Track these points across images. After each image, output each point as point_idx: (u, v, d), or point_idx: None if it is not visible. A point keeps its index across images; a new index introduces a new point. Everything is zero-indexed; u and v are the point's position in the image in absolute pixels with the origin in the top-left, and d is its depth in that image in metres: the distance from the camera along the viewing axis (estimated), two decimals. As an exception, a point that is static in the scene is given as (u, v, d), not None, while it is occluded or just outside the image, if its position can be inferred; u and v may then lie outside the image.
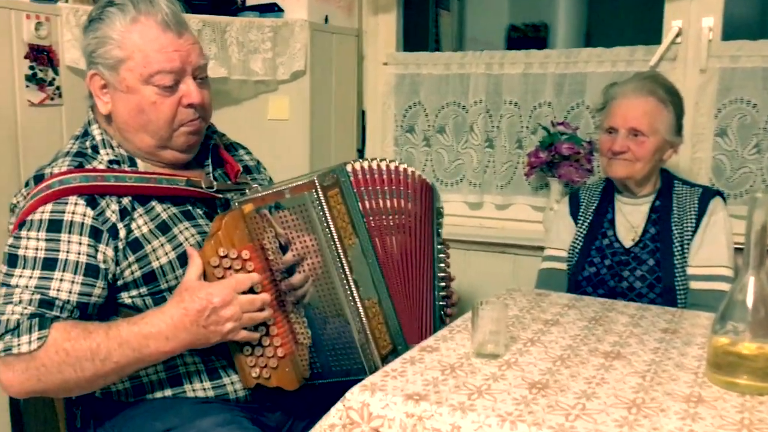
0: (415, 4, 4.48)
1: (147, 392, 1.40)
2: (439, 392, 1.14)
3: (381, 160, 1.59)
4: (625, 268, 1.90)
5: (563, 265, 2.01)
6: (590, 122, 2.54)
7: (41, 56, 2.20)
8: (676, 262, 1.85)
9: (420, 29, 4.42)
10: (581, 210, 2.03)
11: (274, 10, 2.61)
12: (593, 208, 2.02)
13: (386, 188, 1.57)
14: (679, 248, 1.86)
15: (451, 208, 2.81)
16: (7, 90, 2.11)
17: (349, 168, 1.51)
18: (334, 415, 1.15)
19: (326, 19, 2.70)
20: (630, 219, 1.96)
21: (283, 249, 1.41)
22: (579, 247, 1.98)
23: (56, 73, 2.23)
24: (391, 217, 1.56)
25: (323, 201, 1.40)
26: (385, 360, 1.43)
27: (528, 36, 5.24)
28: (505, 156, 2.70)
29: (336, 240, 1.40)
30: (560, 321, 1.53)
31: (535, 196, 2.67)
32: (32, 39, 2.16)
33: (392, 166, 1.60)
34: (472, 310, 1.31)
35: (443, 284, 1.70)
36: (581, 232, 2.00)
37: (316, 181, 1.40)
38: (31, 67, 2.17)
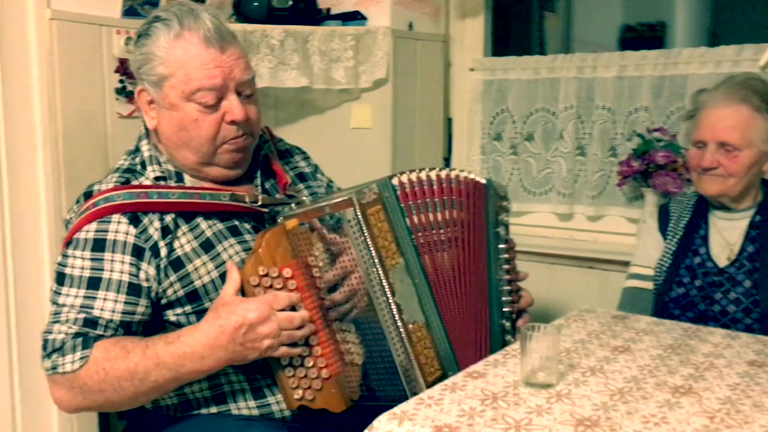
0: (517, 6, 4.36)
1: (194, 408, 1.40)
2: (472, 425, 1.05)
3: (430, 170, 1.47)
4: (717, 289, 1.72)
5: (649, 285, 1.85)
6: (691, 128, 2.34)
7: (130, 70, 2.28)
8: (777, 284, 1.67)
9: (523, 32, 4.29)
10: (671, 224, 1.87)
11: (357, 18, 2.59)
12: (684, 222, 1.85)
13: (436, 199, 1.45)
14: (782, 269, 1.67)
15: (539, 219, 2.70)
16: (98, 103, 2.19)
17: (395, 181, 1.41)
18: (361, 444, 1.09)
19: (410, 26, 2.65)
20: (725, 236, 1.78)
21: (334, 266, 1.36)
22: (667, 265, 1.82)
23: (144, 86, 2.30)
24: (442, 231, 1.45)
25: (361, 220, 1.32)
26: (431, 386, 1.33)
27: (643, 36, 4.98)
28: (597, 164, 2.54)
29: (376, 261, 1.32)
30: (631, 348, 1.40)
31: (629, 207, 2.50)
32: (122, 53, 2.23)
33: (442, 174, 1.48)
34: (520, 335, 1.21)
35: (507, 291, 1.56)
36: (670, 249, 1.83)
37: (354, 199, 1.32)
38: (121, 81, 2.24)
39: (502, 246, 1.57)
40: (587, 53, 2.55)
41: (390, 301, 1.33)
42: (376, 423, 1.08)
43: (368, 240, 1.32)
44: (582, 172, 2.59)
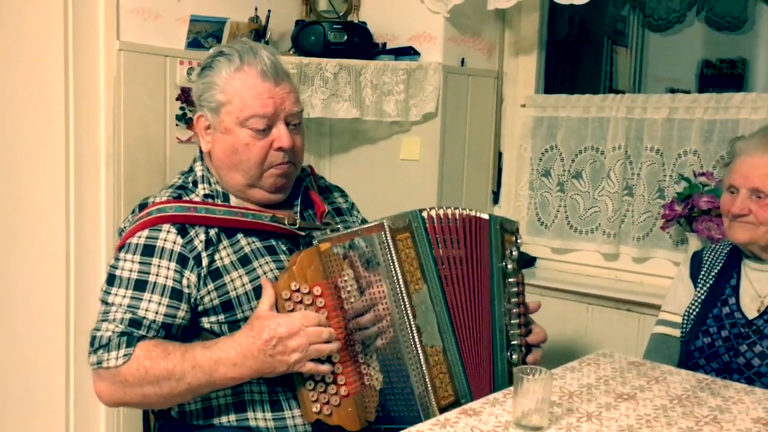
0: (586, 41, 4.34)
1: (215, 415, 1.49)
2: (451, 462, 1.10)
3: (455, 208, 1.57)
4: (743, 341, 1.69)
5: (677, 332, 1.83)
6: (740, 174, 2.30)
7: (191, 98, 2.43)
8: (806, 340, 1.62)
9: (592, 68, 4.28)
10: (702, 272, 1.84)
11: (410, 53, 2.66)
12: (716, 271, 1.82)
13: (462, 237, 1.55)
14: (813, 325, 1.63)
15: (584, 257, 2.69)
16: (159, 128, 2.34)
17: (425, 214, 1.52)
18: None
19: (462, 62, 2.71)
20: (757, 287, 1.75)
21: (362, 293, 1.45)
22: (695, 313, 1.80)
23: (202, 113, 2.45)
24: (464, 267, 1.54)
25: (390, 243, 1.44)
26: (444, 411, 1.41)
27: (723, 73, 4.86)
28: (644, 206, 2.52)
29: (401, 283, 1.43)
30: (637, 396, 1.41)
31: (675, 251, 2.47)
32: (184, 82, 2.38)
33: (466, 213, 1.58)
34: (514, 377, 1.24)
35: (516, 325, 1.59)
36: (699, 297, 1.81)
37: (386, 224, 1.45)
38: (182, 108, 2.39)
39: (511, 280, 1.61)
40: (636, 94, 2.54)
41: (411, 323, 1.43)
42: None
43: (395, 262, 1.44)
44: (629, 212, 2.57)
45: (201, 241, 1.46)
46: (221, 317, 1.46)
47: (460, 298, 1.52)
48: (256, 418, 1.47)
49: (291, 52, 2.64)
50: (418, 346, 1.44)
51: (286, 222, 1.53)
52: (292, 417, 1.47)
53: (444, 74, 2.61)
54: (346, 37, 2.59)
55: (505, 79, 2.85)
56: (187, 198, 1.53)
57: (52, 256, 2.19)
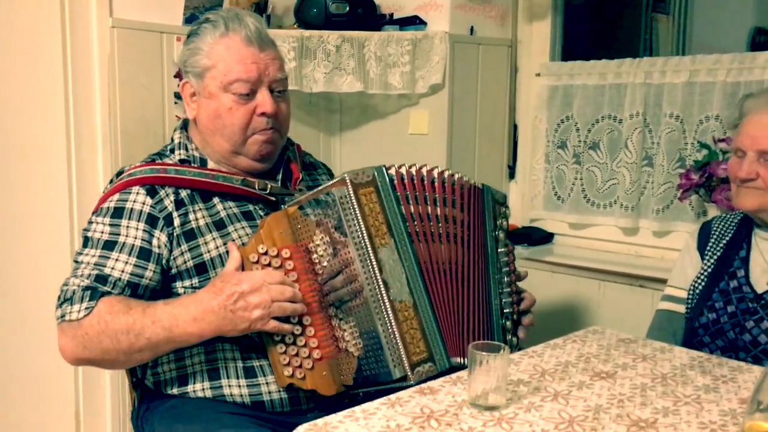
0: (623, 8, 4.14)
1: (189, 383, 1.46)
2: (386, 442, 1.02)
3: (433, 168, 1.56)
4: (750, 317, 1.56)
5: (682, 308, 1.71)
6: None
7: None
8: (819, 315, 1.48)
9: (629, 35, 4.08)
10: (710, 243, 1.71)
11: (416, 23, 2.57)
12: (725, 242, 1.69)
13: (436, 195, 1.53)
14: (827, 298, 1.49)
15: (602, 232, 2.55)
16: (157, 107, 2.31)
17: (391, 171, 1.51)
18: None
19: (472, 30, 2.60)
20: (768, 258, 1.61)
21: (335, 256, 1.42)
22: (701, 287, 1.67)
23: (201, 90, 2.41)
24: (440, 225, 1.52)
25: (353, 197, 1.43)
26: (416, 367, 1.39)
27: (778, 40, 4.59)
28: (663, 176, 2.37)
29: (365, 237, 1.41)
30: (617, 375, 1.30)
31: (697, 223, 2.30)
32: (181, 59, 2.35)
33: (445, 173, 1.56)
34: (469, 354, 1.16)
35: (508, 293, 1.59)
36: (706, 270, 1.68)
37: (347, 178, 1.44)
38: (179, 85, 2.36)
39: (501, 249, 1.61)
40: (655, 57, 2.38)
41: (377, 276, 1.41)
42: (296, 430, 1.07)
43: (359, 216, 1.42)
44: (648, 184, 2.43)
45: (171, 202, 1.46)
46: (195, 281, 1.45)
47: (435, 256, 1.49)
48: (230, 386, 1.44)
49: (294, 26, 2.58)
50: (386, 300, 1.41)
51: (256, 186, 1.52)
52: (266, 383, 1.44)
53: (451, 43, 2.50)
54: (348, 8, 2.51)
55: (519, 47, 2.72)
56: (160, 161, 1.53)
57: (55, 238, 2.19)
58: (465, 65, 2.58)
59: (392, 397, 1.18)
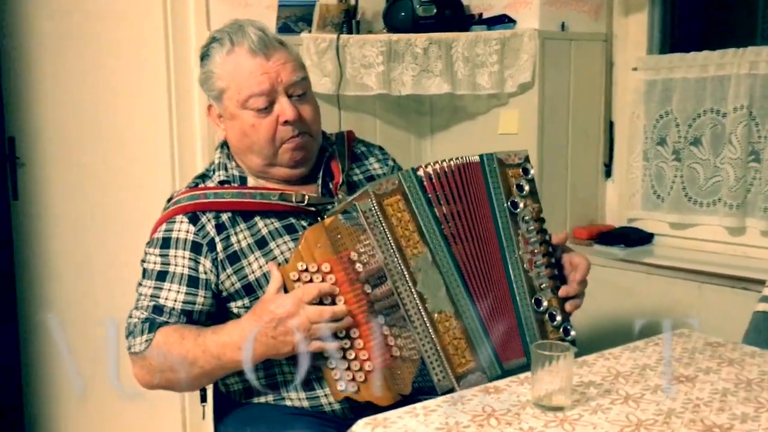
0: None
1: (254, 395, 1.49)
2: (441, 439, 1.02)
3: (451, 159, 1.43)
4: None
5: (783, 311, 1.60)
6: None
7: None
8: None
9: (745, 22, 3.85)
10: (815, 242, 1.59)
11: (504, 21, 2.54)
12: (831, 240, 1.56)
13: (467, 190, 1.43)
14: None
15: (706, 232, 2.43)
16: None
17: (420, 172, 1.42)
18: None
19: (563, 26, 2.54)
20: None
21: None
22: (803, 288, 1.56)
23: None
24: (467, 220, 1.43)
25: (377, 210, 1.36)
26: (462, 378, 1.36)
27: None
28: (772, 172, 2.23)
29: (395, 251, 1.35)
30: (698, 378, 1.23)
31: (811, 222, 2.16)
32: (274, 68, 2.43)
33: (459, 161, 1.44)
34: (532, 354, 1.13)
35: (540, 265, 1.45)
36: (809, 271, 1.56)
37: (370, 190, 1.37)
38: (274, 93, 2.44)
39: (524, 219, 1.46)
40: (763, 47, 2.24)
41: (413, 290, 1.36)
42: (354, 427, 1.08)
43: (385, 229, 1.36)
44: (755, 181, 2.28)
45: (213, 227, 1.46)
46: (246, 301, 1.45)
47: (472, 256, 1.42)
48: (290, 398, 1.46)
49: (383, 30, 2.61)
50: (423, 313, 1.36)
51: (293, 199, 1.48)
52: (326, 395, 1.44)
53: (540, 40, 2.46)
54: (435, 11, 2.52)
55: (614, 41, 2.64)
56: (203, 185, 1.53)
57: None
58: (556, 62, 2.52)
59: (455, 395, 1.18)
